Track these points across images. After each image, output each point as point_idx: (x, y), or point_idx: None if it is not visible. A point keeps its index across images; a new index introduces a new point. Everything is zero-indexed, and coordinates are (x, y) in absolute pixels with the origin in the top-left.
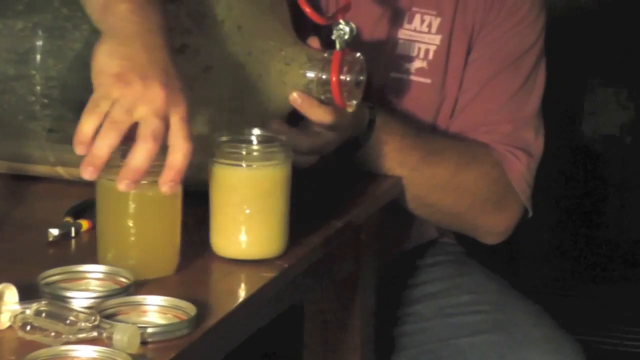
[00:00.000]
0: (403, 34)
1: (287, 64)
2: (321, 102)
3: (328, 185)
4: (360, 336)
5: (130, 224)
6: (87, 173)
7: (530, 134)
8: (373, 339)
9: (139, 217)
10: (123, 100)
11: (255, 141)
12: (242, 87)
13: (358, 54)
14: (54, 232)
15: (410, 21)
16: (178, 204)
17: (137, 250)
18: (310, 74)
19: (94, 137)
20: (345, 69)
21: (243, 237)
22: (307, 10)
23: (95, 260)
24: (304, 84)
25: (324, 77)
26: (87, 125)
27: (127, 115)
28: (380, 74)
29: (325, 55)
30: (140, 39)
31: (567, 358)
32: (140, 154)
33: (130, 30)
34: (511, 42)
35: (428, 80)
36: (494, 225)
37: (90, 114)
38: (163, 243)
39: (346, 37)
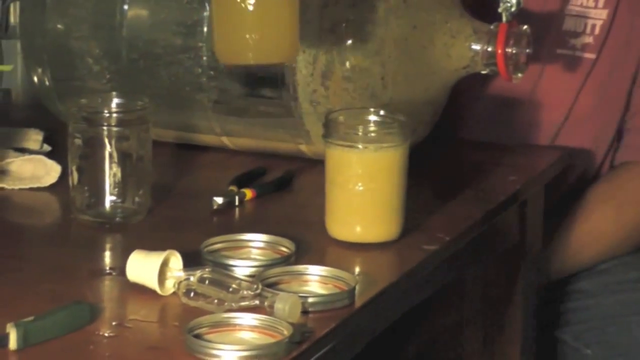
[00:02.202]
0: (570, 10)
1: (453, 36)
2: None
3: (490, 156)
4: (522, 311)
5: (250, 1)
6: None
7: None
8: (535, 315)
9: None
10: None
11: (372, 121)
12: (406, 60)
13: (525, 27)
14: (218, 200)
15: None
16: None
17: (256, 30)
18: (476, 47)
19: None
20: (511, 41)
21: (358, 220)
22: None
23: (258, 230)
24: (469, 56)
25: (489, 49)
26: None
27: None
28: (547, 50)
29: (492, 27)
30: None
31: None
32: None
33: None
34: None
35: (593, 56)
36: None
37: None
38: (282, 23)
39: (513, 9)
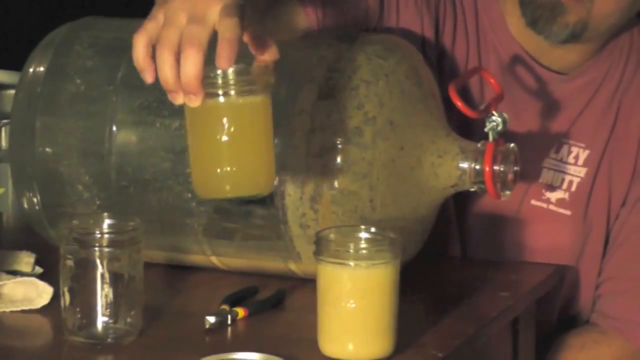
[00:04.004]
0: (548, 163)
1: (440, 156)
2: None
3: (480, 273)
4: None
5: (224, 138)
6: (190, 101)
7: None
8: None
9: (232, 131)
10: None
11: (363, 238)
12: (394, 181)
13: (512, 145)
14: (211, 319)
15: (557, 151)
16: (269, 116)
17: (233, 167)
18: (464, 165)
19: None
20: (498, 159)
21: (350, 338)
22: (459, 104)
23: (251, 348)
24: (457, 175)
25: (477, 167)
26: (165, 66)
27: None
28: (520, 200)
29: (479, 146)
30: None
31: None
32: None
33: None
34: None
35: (568, 212)
36: None
37: (160, 54)
38: (259, 158)
39: (499, 128)
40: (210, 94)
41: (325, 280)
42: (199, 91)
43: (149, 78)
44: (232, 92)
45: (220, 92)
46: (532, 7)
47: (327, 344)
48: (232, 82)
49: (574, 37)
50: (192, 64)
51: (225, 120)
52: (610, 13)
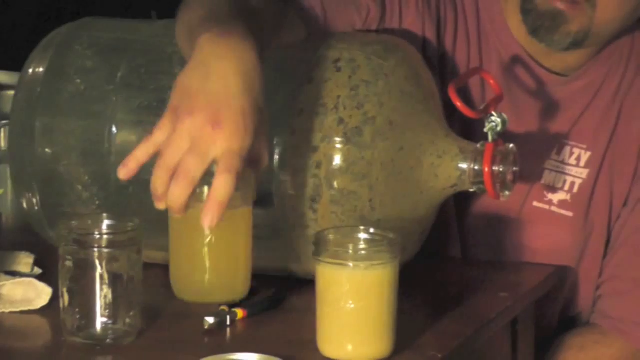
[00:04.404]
0: (550, 164)
1: (440, 156)
2: (473, 193)
3: (479, 273)
4: None
5: (205, 250)
6: (176, 204)
7: None
8: None
9: (212, 241)
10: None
11: (362, 239)
12: (393, 181)
13: (511, 145)
14: (210, 320)
15: (559, 152)
16: (250, 227)
17: (211, 275)
18: (463, 166)
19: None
20: (498, 159)
21: (349, 339)
22: (459, 104)
23: (250, 349)
24: (456, 175)
25: (476, 168)
26: (159, 180)
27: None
28: (522, 201)
29: (478, 146)
30: (217, 66)
31: None
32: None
33: (205, 64)
34: None
35: (570, 214)
36: None
37: (158, 168)
38: (236, 266)
39: (498, 128)
40: (191, 206)
41: (324, 281)
42: (182, 213)
43: (123, 174)
44: None
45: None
46: (533, 16)
47: (326, 345)
48: None
49: (575, 45)
50: (180, 193)
51: (206, 231)
52: (612, 21)
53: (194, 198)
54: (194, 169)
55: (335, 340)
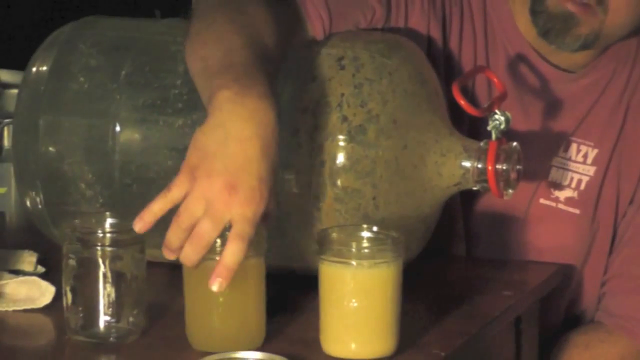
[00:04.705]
0: (557, 161)
1: (443, 154)
2: (477, 191)
3: (483, 272)
4: None
5: (219, 300)
6: (189, 263)
7: None
8: None
9: (226, 292)
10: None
11: (365, 237)
12: (397, 180)
13: (515, 143)
14: None
15: (566, 149)
16: (262, 277)
17: (225, 325)
18: (466, 164)
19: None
20: (501, 158)
21: (352, 337)
22: (462, 102)
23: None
24: (460, 174)
25: (480, 166)
26: (174, 237)
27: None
28: (529, 199)
29: (482, 144)
30: (229, 133)
31: None
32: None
33: (224, 126)
34: None
35: (577, 211)
36: None
37: (174, 226)
38: (250, 315)
39: (502, 127)
40: (207, 259)
41: (327, 280)
42: (194, 266)
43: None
44: None
45: (217, 257)
46: (544, 18)
47: (330, 343)
48: None
49: (585, 47)
50: (194, 254)
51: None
52: (622, 24)
53: (209, 250)
54: (208, 233)
55: (338, 338)
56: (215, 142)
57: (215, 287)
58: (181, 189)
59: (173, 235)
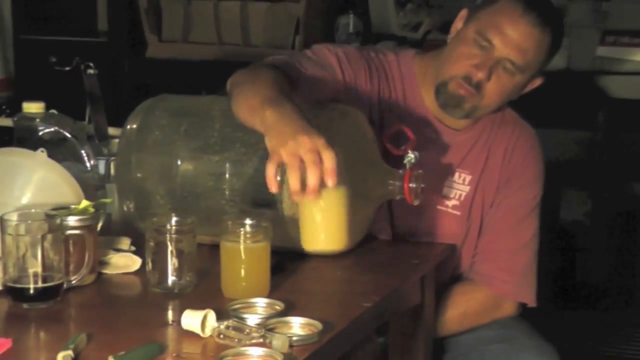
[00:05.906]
0: (447, 183)
1: (379, 177)
2: (396, 201)
3: (404, 249)
4: (424, 345)
5: (242, 266)
6: (313, 187)
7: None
8: (430, 347)
9: (244, 261)
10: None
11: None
12: (356, 192)
13: (420, 171)
14: None
15: (452, 175)
16: (268, 253)
17: (246, 282)
18: (392, 183)
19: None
20: (412, 180)
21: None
22: (388, 145)
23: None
24: (389, 190)
25: (399, 184)
26: (294, 180)
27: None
28: (429, 205)
29: (400, 172)
30: (284, 122)
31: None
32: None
33: (279, 122)
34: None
35: (459, 213)
36: (499, 319)
37: (291, 170)
38: (261, 276)
39: (413, 161)
40: (235, 241)
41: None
42: (317, 192)
43: (273, 189)
44: (248, 241)
45: (241, 241)
46: (444, 96)
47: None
48: (248, 235)
49: (467, 116)
50: (314, 177)
51: (242, 256)
52: (491, 104)
53: (232, 234)
54: (315, 160)
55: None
56: (276, 131)
57: (330, 183)
58: (278, 155)
59: (293, 179)
